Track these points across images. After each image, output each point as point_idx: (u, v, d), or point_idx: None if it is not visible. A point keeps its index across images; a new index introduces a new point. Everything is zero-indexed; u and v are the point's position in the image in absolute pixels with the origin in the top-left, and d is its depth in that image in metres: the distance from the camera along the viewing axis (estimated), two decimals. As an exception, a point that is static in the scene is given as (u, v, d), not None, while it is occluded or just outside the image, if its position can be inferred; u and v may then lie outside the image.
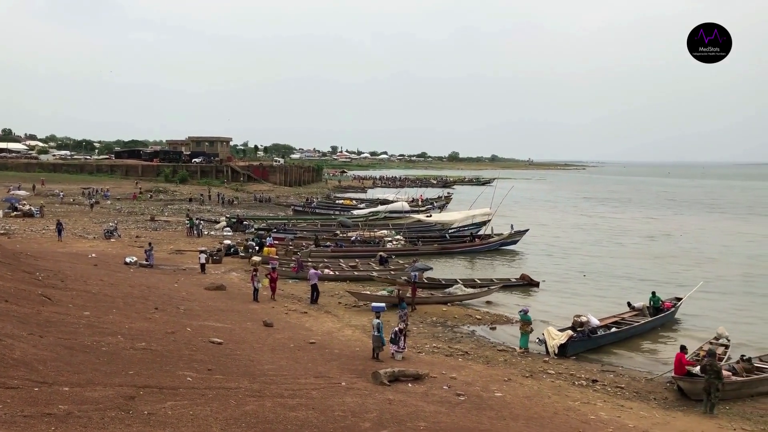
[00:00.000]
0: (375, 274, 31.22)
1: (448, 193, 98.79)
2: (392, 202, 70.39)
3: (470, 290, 27.22)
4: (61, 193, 69.66)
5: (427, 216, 55.65)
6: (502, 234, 43.46)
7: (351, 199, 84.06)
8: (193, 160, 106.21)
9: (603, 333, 20.84)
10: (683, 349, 16.52)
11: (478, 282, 29.67)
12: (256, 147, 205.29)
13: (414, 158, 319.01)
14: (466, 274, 33.70)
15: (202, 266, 30.05)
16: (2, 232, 39.78)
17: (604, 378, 17.05)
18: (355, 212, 65.02)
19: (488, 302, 26.69)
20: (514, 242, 43.10)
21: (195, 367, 12.62)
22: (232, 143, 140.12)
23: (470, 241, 43.15)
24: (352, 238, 43.07)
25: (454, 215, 52.57)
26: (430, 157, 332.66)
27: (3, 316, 13.21)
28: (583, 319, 20.32)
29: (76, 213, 54.95)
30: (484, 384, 15.24)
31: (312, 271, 26.31)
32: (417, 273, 28.23)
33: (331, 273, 30.67)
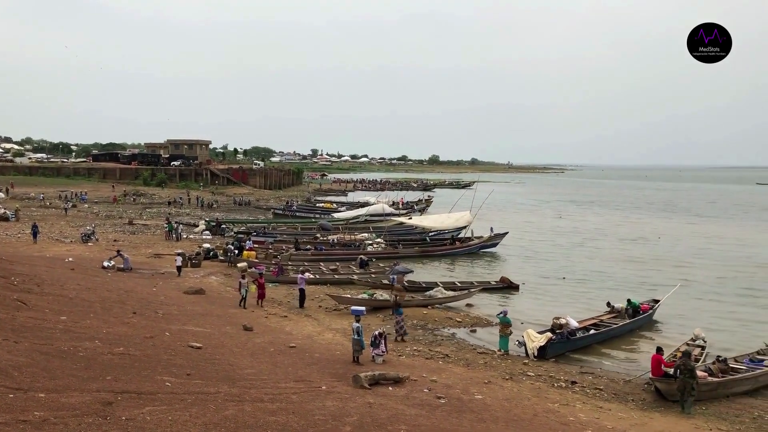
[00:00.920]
0: (355, 277, 31.23)
1: (429, 196, 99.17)
2: (373, 205, 70.49)
3: (450, 293, 27.31)
4: (42, 195, 68.74)
5: (408, 219, 55.83)
6: (482, 237, 43.71)
7: (331, 202, 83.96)
8: (172, 163, 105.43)
9: (582, 335, 21.05)
10: (659, 350, 16.70)
11: (459, 285, 29.77)
12: (235, 150, 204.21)
13: (394, 161, 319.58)
14: (446, 276, 33.78)
15: (179, 269, 29.83)
16: (-24, 236, 39.11)
17: (583, 380, 17.19)
18: (336, 215, 64.99)
19: (468, 305, 26.80)
20: (494, 245, 43.34)
21: (174, 372, 12.50)
22: (211, 146, 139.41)
23: (450, 244, 43.35)
24: (332, 241, 42.99)
25: (434, 218, 52.79)
26: (410, 160, 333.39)
27: (-23, 322, 12.98)
28: (563, 321, 20.51)
29: (53, 216, 54.19)
30: (464, 386, 15.29)
31: (300, 276, 26.29)
32: (396, 276, 28.30)
33: (312, 276, 30.61)
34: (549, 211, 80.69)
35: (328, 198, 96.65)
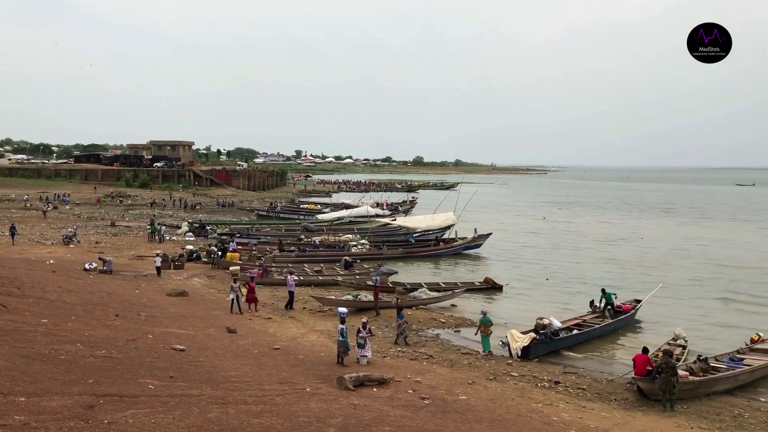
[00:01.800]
0: (340, 278, 31.17)
1: (413, 197, 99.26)
2: (357, 206, 70.41)
3: (435, 294, 27.37)
4: (26, 197, 67.86)
5: (392, 220, 55.86)
6: (466, 238, 43.86)
7: (315, 204, 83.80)
8: (155, 164, 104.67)
9: (565, 335, 21.18)
10: (645, 350, 16.76)
11: (443, 286, 29.80)
12: (219, 151, 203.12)
13: (379, 162, 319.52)
14: (430, 278, 33.84)
15: (158, 269, 29.58)
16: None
17: (567, 379, 17.31)
18: (320, 217, 64.84)
19: (453, 306, 26.88)
20: (478, 246, 43.49)
21: (157, 375, 12.40)
22: (194, 147, 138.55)
23: (435, 245, 43.45)
24: (316, 243, 42.91)
25: (418, 219, 52.86)
26: (394, 161, 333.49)
27: (-45, 325, 12.80)
28: (546, 321, 20.62)
29: (34, 218, 53.55)
30: (448, 387, 15.34)
31: (290, 277, 26.20)
32: (379, 277, 28.28)
33: (296, 278, 30.50)
34: (532, 212, 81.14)
35: (312, 199, 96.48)
